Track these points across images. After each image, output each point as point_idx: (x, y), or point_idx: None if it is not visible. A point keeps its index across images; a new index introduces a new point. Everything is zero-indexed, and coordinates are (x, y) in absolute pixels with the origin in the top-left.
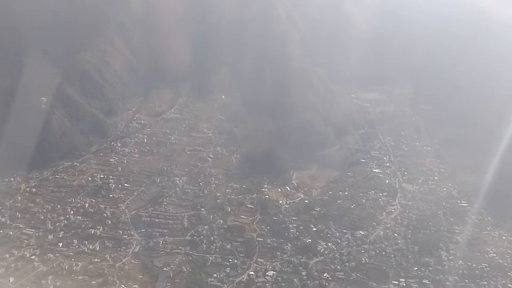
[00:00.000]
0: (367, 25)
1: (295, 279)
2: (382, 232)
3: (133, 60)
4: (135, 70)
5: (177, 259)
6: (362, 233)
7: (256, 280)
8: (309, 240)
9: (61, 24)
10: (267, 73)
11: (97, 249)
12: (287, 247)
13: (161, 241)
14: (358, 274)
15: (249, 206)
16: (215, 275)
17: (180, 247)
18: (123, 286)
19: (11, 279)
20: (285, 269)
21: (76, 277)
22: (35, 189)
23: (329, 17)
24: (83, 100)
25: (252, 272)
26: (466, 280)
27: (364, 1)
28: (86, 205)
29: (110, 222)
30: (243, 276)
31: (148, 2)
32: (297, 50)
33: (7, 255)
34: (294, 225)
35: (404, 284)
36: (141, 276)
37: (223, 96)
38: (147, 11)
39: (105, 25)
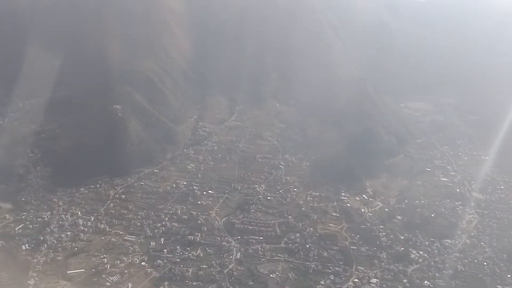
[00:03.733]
0: (405, 37)
1: (399, 286)
2: (468, 241)
3: (187, 68)
4: (189, 78)
5: (279, 266)
6: (449, 241)
7: None
8: (402, 249)
9: (117, 33)
10: (318, 81)
11: (201, 255)
12: (382, 255)
13: (260, 248)
14: (457, 282)
15: (334, 214)
16: (322, 282)
17: (278, 254)
18: None
19: (130, 285)
20: (387, 277)
21: (190, 283)
22: (124, 196)
23: (366, 26)
24: (151, 108)
25: (356, 280)
26: None
27: (398, 11)
28: (179, 212)
29: (205, 228)
30: (349, 283)
31: (196, 12)
32: (341, 59)
33: (118, 262)
34: (383, 233)
35: None
36: (251, 283)
37: (277, 104)
38: (194, 20)
39: (157, 34)
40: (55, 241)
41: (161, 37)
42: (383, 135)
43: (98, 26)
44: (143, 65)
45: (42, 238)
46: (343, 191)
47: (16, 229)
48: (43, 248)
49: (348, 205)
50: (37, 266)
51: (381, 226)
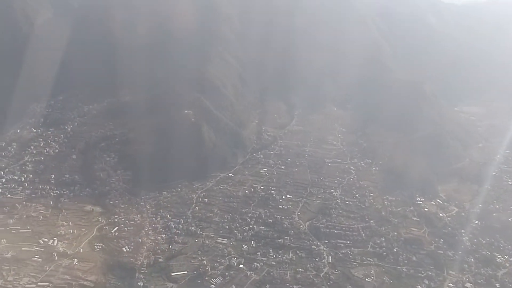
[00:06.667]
0: (449, 41)
1: None
2: None
3: (243, 73)
4: (246, 83)
5: (372, 270)
6: None
7: None
8: (488, 253)
9: (176, 41)
10: (373, 85)
11: (294, 259)
12: (470, 260)
13: (349, 252)
14: None
15: (414, 218)
16: (419, 286)
17: (368, 258)
18: None
19: (234, 287)
20: (479, 281)
21: (291, 286)
22: (207, 199)
23: (414, 31)
24: (218, 113)
25: (451, 284)
26: None
27: (442, 15)
28: (263, 215)
29: (292, 232)
30: None
31: (247, 18)
32: (393, 63)
33: (217, 264)
34: (465, 237)
35: None
36: (350, 286)
37: (334, 108)
38: (246, 26)
39: (215, 40)
40: (153, 244)
41: (218, 43)
42: (448, 139)
43: (159, 35)
44: (207, 70)
45: (140, 241)
46: (417, 195)
47: (112, 231)
48: (143, 250)
49: (426, 209)
50: (142, 268)
51: (462, 231)
